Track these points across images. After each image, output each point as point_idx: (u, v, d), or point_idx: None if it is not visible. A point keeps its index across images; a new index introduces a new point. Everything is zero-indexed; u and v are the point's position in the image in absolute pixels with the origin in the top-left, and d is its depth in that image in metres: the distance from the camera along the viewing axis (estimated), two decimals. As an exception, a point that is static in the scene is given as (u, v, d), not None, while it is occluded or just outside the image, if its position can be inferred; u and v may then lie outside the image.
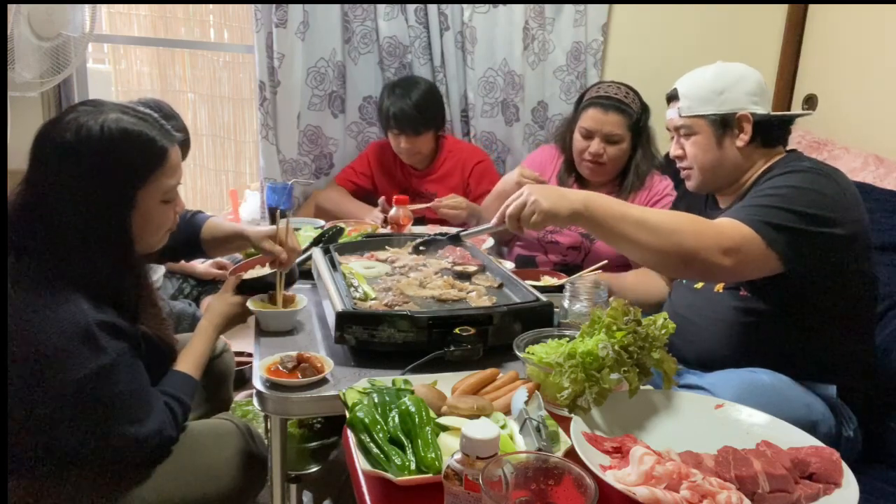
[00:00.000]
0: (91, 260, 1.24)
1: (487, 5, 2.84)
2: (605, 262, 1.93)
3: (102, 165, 1.23)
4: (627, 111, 2.16)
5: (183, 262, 2.51)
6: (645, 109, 2.23)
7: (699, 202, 1.76)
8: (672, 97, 1.64)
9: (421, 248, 1.76)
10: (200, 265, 2.57)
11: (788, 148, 1.64)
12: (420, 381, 1.15)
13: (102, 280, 1.25)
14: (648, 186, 2.21)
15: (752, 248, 1.37)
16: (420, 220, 2.36)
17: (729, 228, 1.39)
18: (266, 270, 1.63)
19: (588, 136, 2.17)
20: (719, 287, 1.59)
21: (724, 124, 1.56)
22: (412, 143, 2.54)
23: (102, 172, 1.23)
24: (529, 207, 1.41)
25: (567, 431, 1.01)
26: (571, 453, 0.96)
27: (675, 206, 1.88)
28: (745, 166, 1.59)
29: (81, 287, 1.21)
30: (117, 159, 1.24)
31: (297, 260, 1.78)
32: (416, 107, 2.49)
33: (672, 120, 1.64)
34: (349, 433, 1.03)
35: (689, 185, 1.67)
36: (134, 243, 1.30)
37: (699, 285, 1.64)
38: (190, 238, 1.62)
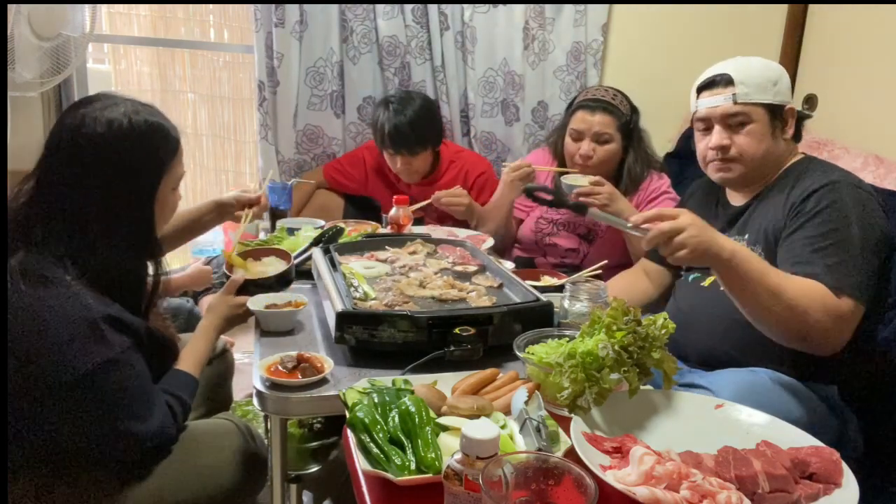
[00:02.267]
0: (116, 252, 1.27)
1: (487, 5, 2.84)
2: (605, 262, 1.93)
3: (134, 156, 1.28)
4: (615, 112, 2.18)
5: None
6: (634, 111, 2.24)
7: (710, 201, 1.74)
8: (715, 83, 1.58)
9: (538, 193, 1.48)
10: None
11: None
12: (420, 381, 1.15)
13: (124, 272, 1.28)
14: (644, 187, 2.22)
15: (857, 317, 1.39)
16: (420, 220, 2.36)
17: (848, 307, 1.36)
18: (266, 270, 1.64)
19: (578, 137, 2.20)
20: None
21: (777, 115, 1.57)
22: (409, 164, 2.46)
23: (134, 163, 1.28)
24: (682, 237, 1.28)
25: (567, 431, 1.01)
26: (571, 453, 0.96)
27: (683, 204, 1.85)
28: (781, 160, 1.60)
29: (92, 281, 1.22)
30: (147, 150, 1.30)
31: (297, 260, 1.79)
32: (412, 125, 2.39)
33: (720, 107, 1.57)
34: (349, 433, 1.03)
35: (727, 176, 1.62)
36: (157, 232, 1.35)
37: (706, 283, 1.64)
38: None
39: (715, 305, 1.58)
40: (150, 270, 1.38)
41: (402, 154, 2.45)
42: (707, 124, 1.62)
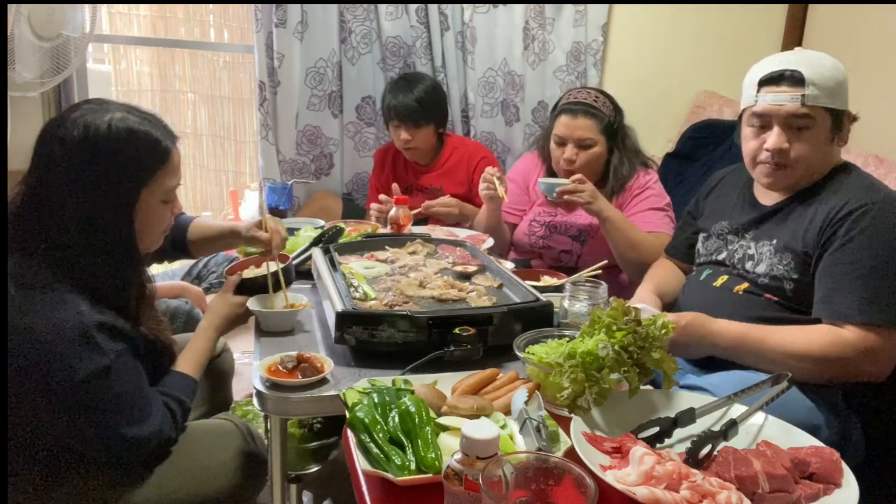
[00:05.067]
0: (94, 259, 1.24)
1: (487, 5, 2.85)
2: (605, 262, 1.93)
3: (109, 163, 1.23)
4: (597, 115, 2.16)
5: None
6: (618, 111, 2.23)
7: (737, 196, 1.68)
8: (780, 79, 1.46)
9: None
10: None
11: None
12: (420, 381, 1.15)
13: (105, 280, 1.25)
14: (629, 186, 2.21)
15: (889, 344, 1.36)
16: (422, 220, 2.36)
17: (883, 339, 1.36)
18: (264, 270, 1.63)
19: (561, 143, 2.19)
20: (740, 288, 1.56)
21: (838, 120, 1.47)
22: (412, 136, 2.52)
23: (108, 170, 1.23)
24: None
25: (567, 431, 1.01)
26: (571, 453, 0.95)
27: (706, 197, 1.80)
28: (827, 165, 1.52)
29: (82, 287, 1.21)
30: (123, 158, 1.24)
31: (297, 260, 1.79)
32: (418, 100, 2.50)
33: (785, 107, 1.45)
34: (349, 433, 1.03)
35: (773, 181, 1.54)
36: (136, 243, 1.30)
37: (717, 283, 1.61)
38: (176, 239, 1.63)
39: (728, 308, 1.55)
40: (135, 279, 1.33)
41: (407, 126, 2.51)
42: (764, 122, 1.50)
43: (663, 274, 1.85)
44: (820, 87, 1.43)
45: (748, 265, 1.57)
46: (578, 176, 2.02)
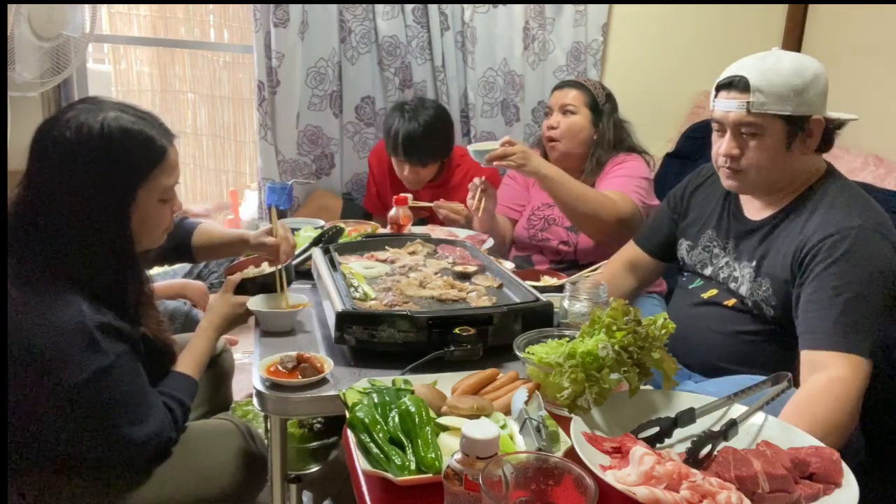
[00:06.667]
0: (92, 260, 1.23)
1: (487, 5, 2.85)
2: (605, 262, 1.93)
3: (103, 163, 1.22)
4: (583, 88, 2.24)
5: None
6: (610, 97, 2.27)
7: (722, 203, 1.64)
8: (730, 85, 1.44)
9: None
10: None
11: None
12: (420, 381, 1.15)
13: (104, 281, 1.25)
14: (607, 166, 2.21)
15: (871, 370, 1.32)
16: (422, 220, 2.36)
17: (865, 370, 1.31)
18: (264, 269, 1.64)
19: (549, 113, 2.27)
20: (731, 302, 1.55)
21: (798, 127, 1.43)
22: (416, 173, 2.46)
23: (103, 170, 1.23)
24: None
25: (567, 431, 1.01)
26: (571, 453, 0.95)
27: (693, 192, 1.74)
28: (801, 172, 1.49)
29: (82, 288, 1.21)
30: (117, 157, 1.23)
31: (297, 260, 1.79)
32: (425, 136, 2.39)
33: (732, 113, 1.44)
34: (349, 433, 1.03)
35: (735, 185, 1.53)
36: (134, 243, 1.30)
37: (706, 294, 1.60)
38: (179, 243, 1.62)
39: (718, 320, 1.56)
40: (133, 279, 1.32)
41: (412, 164, 2.44)
42: (721, 127, 1.50)
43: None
44: (767, 94, 1.40)
45: (731, 285, 1.57)
46: (506, 138, 2.00)
